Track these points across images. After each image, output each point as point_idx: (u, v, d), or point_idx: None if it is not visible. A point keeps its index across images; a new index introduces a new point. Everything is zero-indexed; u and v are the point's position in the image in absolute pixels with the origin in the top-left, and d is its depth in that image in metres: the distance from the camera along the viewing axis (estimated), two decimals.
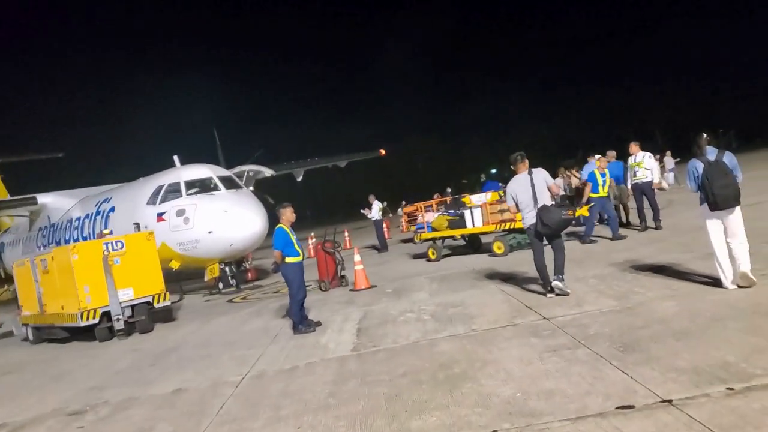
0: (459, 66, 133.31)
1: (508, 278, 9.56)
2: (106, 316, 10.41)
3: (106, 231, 11.39)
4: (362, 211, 19.88)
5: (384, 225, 20.21)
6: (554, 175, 18.52)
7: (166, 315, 12.25)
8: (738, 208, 6.39)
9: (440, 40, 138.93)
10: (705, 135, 6.50)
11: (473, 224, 13.31)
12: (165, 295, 11.13)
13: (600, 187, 12.19)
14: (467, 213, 13.44)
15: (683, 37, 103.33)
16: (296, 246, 8.15)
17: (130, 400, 6.26)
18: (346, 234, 24.50)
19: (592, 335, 5.60)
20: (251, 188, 24.00)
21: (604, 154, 14.58)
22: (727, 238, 6.46)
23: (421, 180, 72.08)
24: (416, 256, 15.19)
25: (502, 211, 12.69)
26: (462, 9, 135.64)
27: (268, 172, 21.36)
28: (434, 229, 14.10)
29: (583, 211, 12.58)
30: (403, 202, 25.14)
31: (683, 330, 5.25)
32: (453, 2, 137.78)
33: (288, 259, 8.09)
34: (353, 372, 5.80)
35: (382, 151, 30.84)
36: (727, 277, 6.40)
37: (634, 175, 12.38)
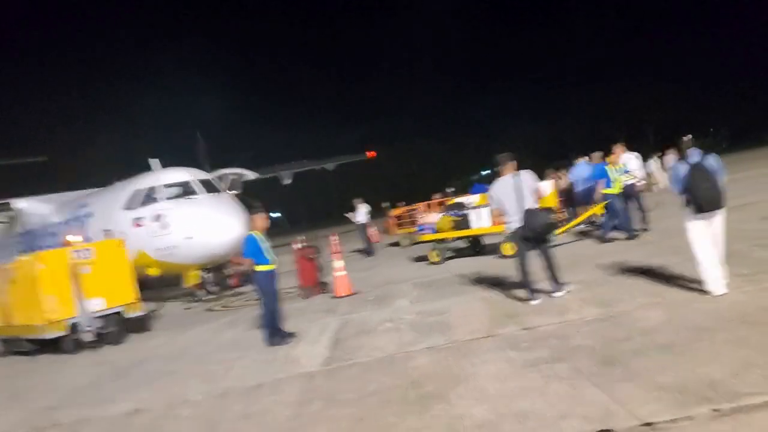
0: (452, 67, 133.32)
1: (495, 284, 9.24)
2: (74, 327, 9.99)
3: (72, 238, 10.96)
4: (346, 215, 19.52)
5: (371, 228, 19.90)
6: (542, 177, 18.32)
7: (142, 324, 11.82)
8: (722, 211, 6.22)
9: (434, 41, 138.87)
10: (689, 137, 6.35)
11: (480, 225, 12.60)
12: (137, 304, 10.71)
13: (613, 183, 11.73)
14: (473, 213, 12.76)
15: (675, 37, 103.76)
16: (267, 254, 7.77)
17: (82, 422, 5.87)
18: (335, 238, 24.11)
19: (573, 348, 5.28)
20: (239, 191, 23.70)
21: (590, 156, 14.36)
22: (710, 241, 6.26)
23: (420, 182, 71.77)
24: (418, 259, 14.53)
25: None
26: (456, 10, 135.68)
27: (251, 175, 20.95)
28: (437, 231, 13.40)
29: (597, 209, 12.07)
30: (402, 203, 24.78)
31: (668, 342, 4.93)
32: (447, 3, 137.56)
33: (259, 268, 7.71)
34: (321, 390, 5.44)
35: (371, 153, 30.52)
36: (714, 284, 6.19)
37: None
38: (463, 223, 13.00)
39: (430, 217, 14.15)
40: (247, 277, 8.09)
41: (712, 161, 6.15)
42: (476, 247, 13.81)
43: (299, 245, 12.21)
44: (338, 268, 11.06)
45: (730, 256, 7.45)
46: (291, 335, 7.96)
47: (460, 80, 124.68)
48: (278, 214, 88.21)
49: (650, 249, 9.84)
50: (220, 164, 23.26)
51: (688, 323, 5.34)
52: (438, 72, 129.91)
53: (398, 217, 19.82)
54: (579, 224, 13.61)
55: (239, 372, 6.75)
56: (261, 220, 7.92)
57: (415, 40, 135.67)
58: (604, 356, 4.88)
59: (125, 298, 10.57)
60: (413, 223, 19.33)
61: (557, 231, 11.90)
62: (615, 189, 11.73)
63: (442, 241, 13.36)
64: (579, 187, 14.03)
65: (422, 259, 14.16)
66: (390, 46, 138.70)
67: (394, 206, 23.43)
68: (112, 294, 10.39)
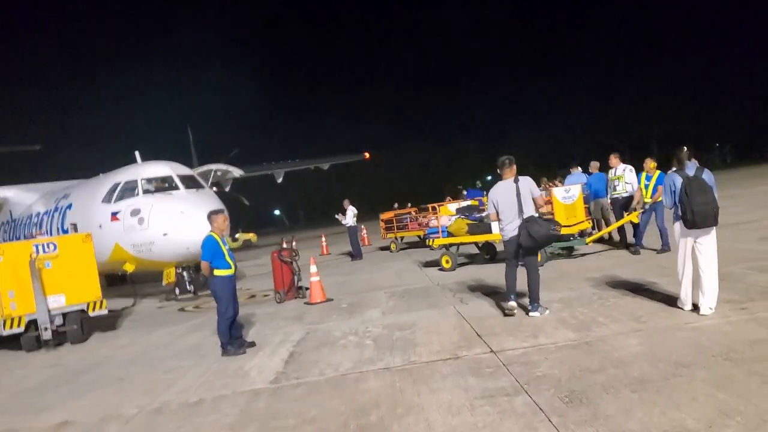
0: (457, 72, 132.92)
1: (477, 296, 8.84)
2: (34, 324, 9.54)
3: (38, 231, 10.52)
4: (336, 216, 19.03)
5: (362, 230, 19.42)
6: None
7: (110, 323, 11.40)
8: (714, 229, 5.92)
9: (439, 43, 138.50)
10: (686, 149, 5.99)
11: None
12: (101, 302, 10.24)
13: (643, 191, 10.88)
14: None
15: (683, 50, 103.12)
16: (227, 257, 7.29)
17: None
18: (323, 240, 23.65)
19: (539, 377, 4.79)
20: (227, 189, 23.29)
21: (587, 166, 13.85)
22: (698, 259, 6.00)
23: (421, 184, 71.43)
24: (427, 265, 13.68)
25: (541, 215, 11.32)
26: (460, 13, 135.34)
27: (236, 172, 20.41)
28: (451, 235, 12.48)
29: (632, 217, 11.42)
30: (408, 204, 24.34)
31: (642, 378, 4.43)
32: (451, 4, 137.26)
33: (217, 272, 7.22)
34: (259, 412, 4.96)
35: (367, 155, 30.03)
36: (686, 299, 6.09)
37: (614, 190, 11.56)
38: (481, 226, 12.07)
39: (443, 219, 13.12)
40: (205, 281, 7.59)
41: (707, 176, 5.85)
42: (488, 252, 13.12)
43: (285, 245, 11.67)
44: (313, 274, 10.56)
45: (721, 278, 7.00)
46: (249, 344, 7.49)
47: (463, 85, 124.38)
48: (278, 212, 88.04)
49: (640, 267, 9.34)
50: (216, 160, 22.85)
51: (667, 355, 4.84)
52: (441, 76, 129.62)
53: (387, 222, 19.27)
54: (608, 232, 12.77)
55: (186, 383, 6.27)
56: (221, 220, 7.44)
57: (418, 43, 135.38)
58: (570, 390, 4.39)
59: (89, 295, 10.10)
60: (403, 227, 18.87)
61: (588, 239, 11.32)
62: (645, 197, 10.86)
63: (452, 245, 12.49)
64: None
65: (431, 264, 13.24)
66: (396, 50, 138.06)
67: (403, 207, 23.06)
68: (74, 291, 9.93)
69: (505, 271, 7.29)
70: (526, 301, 7.35)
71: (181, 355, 7.83)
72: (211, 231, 7.37)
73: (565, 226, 10.77)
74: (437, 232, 12.90)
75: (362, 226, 27.11)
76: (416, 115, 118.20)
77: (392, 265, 15.27)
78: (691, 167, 5.93)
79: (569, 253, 11.69)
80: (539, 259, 10.51)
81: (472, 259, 13.01)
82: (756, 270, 7.63)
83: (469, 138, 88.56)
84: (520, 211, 6.91)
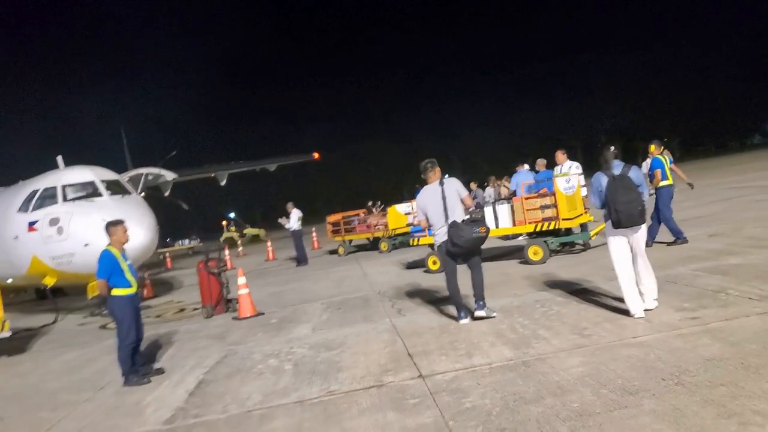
0: (413, 71, 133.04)
1: (417, 304, 8.27)
2: None
3: None
4: (279, 220, 18.10)
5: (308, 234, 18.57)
6: (485, 185, 17.40)
7: (20, 345, 10.31)
8: (644, 227, 5.76)
9: (393, 44, 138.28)
10: (612, 148, 5.84)
11: (497, 225, 10.69)
12: (3, 324, 9.16)
13: (668, 174, 10.00)
14: (488, 210, 10.89)
15: (631, 47, 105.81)
16: (128, 274, 6.41)
17: None
18: (269, 245, 22.66)
19: (467, 410, 4.13)
20: (166, 193, 22.08)
21: (534, 163, 13.47)
22: (633, 258, 5.80)
23: (379, 184, 71.02)
24: (410, 267, 12.64)
25: (544, 207, 10.42)
26: (413, 8, 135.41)
27: (169, 175, 19.24)
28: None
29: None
30: (379, 202, 23.59)
31: (583, 410, 3.81)
32: (410, 3, 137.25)
33: (115, 291, 6.33)
34: None
35: (316, 155, 29.11)
36: (634, 304, 5.71)
37: None
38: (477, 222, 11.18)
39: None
40: (103, 302, 6.71)
41: (635, 174, 5.71)
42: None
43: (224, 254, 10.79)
44: (241, 285, 9.69)
45: (670, 281, 6.66)
46: (157, 372, 6.63)
47: (419, 85, 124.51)
48: (233, 215, 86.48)
49: (586, 269, 8.86)
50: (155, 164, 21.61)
51: (611, 379, 4.25)
52: (397, 76, 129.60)
53: (334, 224, 18.50)
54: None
55: (68, 425, 5.38)
56: (121, 232, 6.55)
57: (374, 42, 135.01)
58: (500, 428, 3.74)
59: None
60: (351, 230, 18.16)
61: (592, 233, 10.71)
62: (670, 180, 10.03)
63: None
64: (519, 195, 13.04)
65: (415, 266, 12.20)
66: (350, 48, 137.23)
67: (374, 204, 22.25)
68: None
69: (446, 280, 6.83)
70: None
71: (78, 385, 6.89)
72: (108, 245, 6.47)
73: (566, 219, 10.28)
74: (421, 231, 11.95)
75: (313, 229, 26.33)
76: (372, 114, 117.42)
77: (336, 271, 14.53)
78: (618, 166, 5.77)
79: (570, 247, 11.12)
80: (540, 257, 10.10)
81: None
82: (706, 271, 7.22)
83: (425, 136, 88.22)
84: (447, 216, 6.56)
